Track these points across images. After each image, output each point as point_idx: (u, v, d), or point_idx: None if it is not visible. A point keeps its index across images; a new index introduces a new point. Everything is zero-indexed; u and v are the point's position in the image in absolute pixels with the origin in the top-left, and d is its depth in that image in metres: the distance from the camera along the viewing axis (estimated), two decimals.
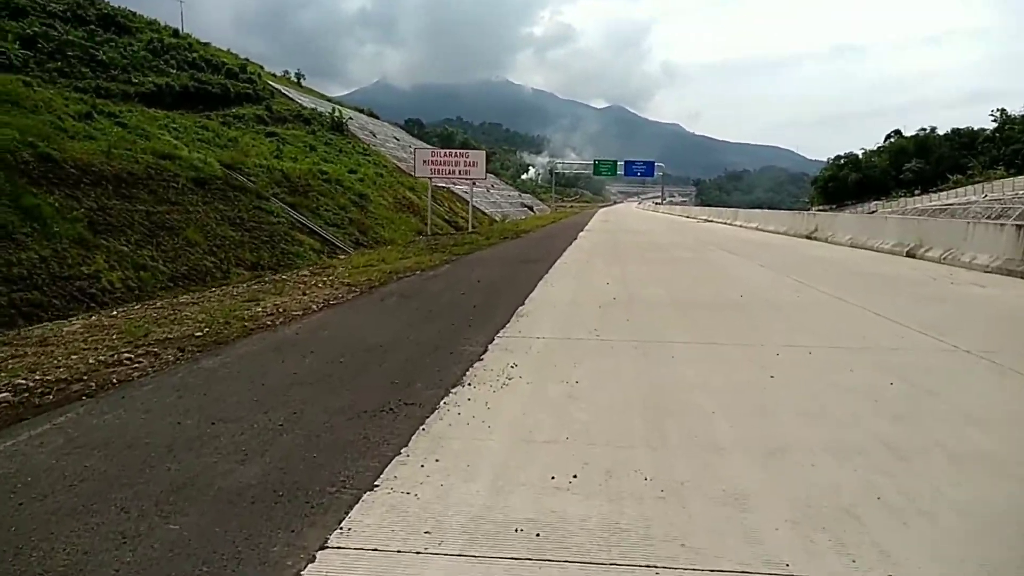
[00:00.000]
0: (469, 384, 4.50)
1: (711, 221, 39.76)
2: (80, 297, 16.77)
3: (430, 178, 24.91)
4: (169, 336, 5.97)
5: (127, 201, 21.07)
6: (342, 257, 20.00)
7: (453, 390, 4.35)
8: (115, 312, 7.30)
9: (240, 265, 22.20)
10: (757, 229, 29.30)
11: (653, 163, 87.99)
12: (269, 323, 6.69)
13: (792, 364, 5.10)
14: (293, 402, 4.03)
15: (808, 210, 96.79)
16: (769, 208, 44.00)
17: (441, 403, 4.06)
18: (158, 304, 7.98)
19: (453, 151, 24.08)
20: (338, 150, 46.79)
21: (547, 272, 11.24)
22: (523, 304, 7.86)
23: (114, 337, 5.97)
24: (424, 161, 23.66)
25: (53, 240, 17.61)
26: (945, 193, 75.33)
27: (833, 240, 20.11)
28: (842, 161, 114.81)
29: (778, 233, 25.84)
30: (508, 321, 6.78)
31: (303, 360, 5.11)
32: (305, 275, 11.17)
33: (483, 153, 24.18)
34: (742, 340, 5.94)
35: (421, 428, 3.65)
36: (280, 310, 7.38)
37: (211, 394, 4.25)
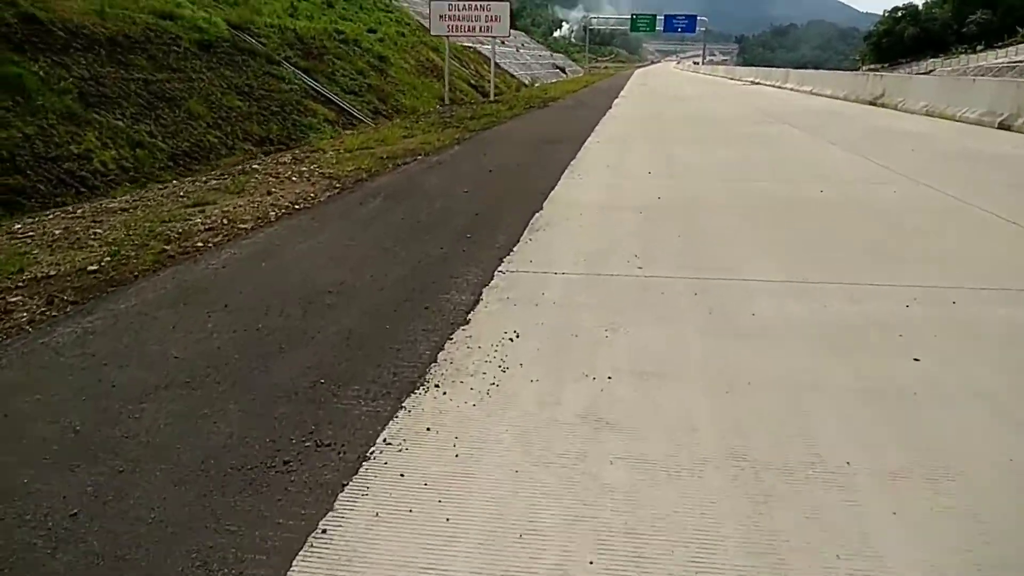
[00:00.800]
0: (435, 387, 2.80)
1: (759, 83, 36.37)
2: (69, 181, 15.25)
3: (447, 36, 22.18)
4: (50, 273, 4.34)
5: (123, 68, 19.05)
6: (347, 133, 18.02)
7: (405, 404, 2.67)
8: (17, 226, 5.73)
9: (247, 139, 20.39)
10: (812, 93, 26.37)
11: (695, 17, 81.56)
12: (199, 244, 5.01)
13: (948, 332, 3.33)
14: (126, 451, 2.40)
15: (858, 69, 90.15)
16: (814, 68, 39.77)
17: (373, 447, 2.39)
18: (78, 212, 6.36)
19: (472, 3, 21.13)
20: (358, 6, 43.80)
21: (575, 157, 9.29)
22: (540, 209, 6.06)
23: None
24: (440, 16, 20.90)
25: (38, 115, 15.89)
26: (1014, 48, 68.66)
27: (904, 107, 17.50)
28: (899, 14, 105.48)
29: (836, 98, 23.02)
30: (517, 240, 5.02)
31: (206, 325, 3.46)
32: (285, 161, 9.36)
33: (506, 5, 21.24)
34: (848, 276, 4.14)
35: (309, 539, 1.97)
36: (225, 221, 5.68)
37: (15, 412, 2.65)
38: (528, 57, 77.38)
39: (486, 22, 20.88)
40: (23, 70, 15.88)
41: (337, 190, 7.17)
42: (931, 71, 72.46)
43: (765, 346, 3.19)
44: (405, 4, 55.77)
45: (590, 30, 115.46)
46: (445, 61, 23.35)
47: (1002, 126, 12.97)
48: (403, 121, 16.05)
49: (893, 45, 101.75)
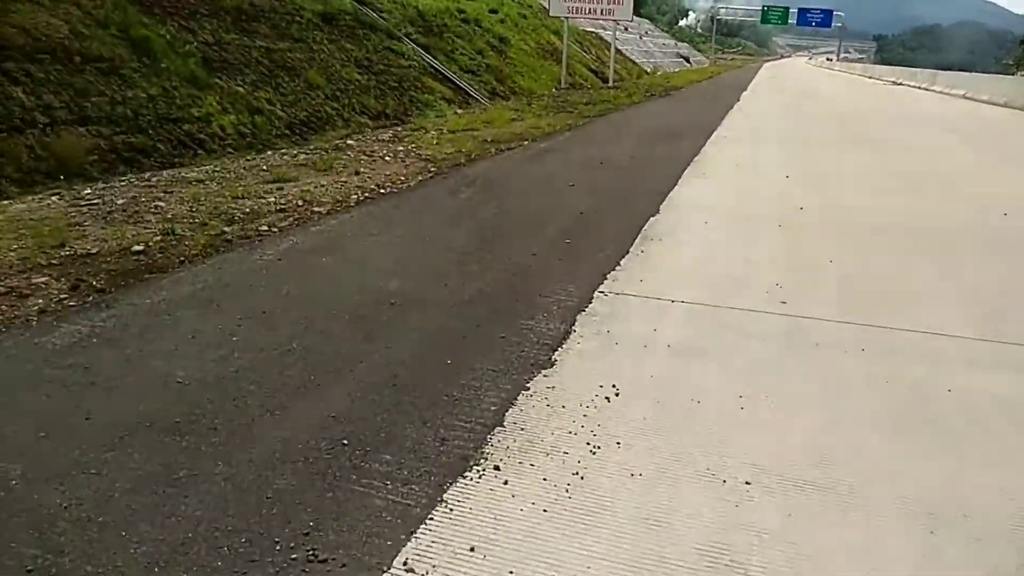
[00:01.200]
0: (494, 470, 1.98)
1: (901, 84, 33.42)
2: (188, 143, 15.46)
3: (567, 17, 21.22)
4: (91, 250, 3.82)
5: (246, 36, 19.28)
6: (457, 113, 17.46)
7: (446, 498, 1.86)
8: (86, 191, 5.33)
9: (364, 113, 20.28)
10: (964, 97, 23.76)
11: (831, 12, 76.58)
12: (264, 228, 4.41)
13: None
14: (52, 534, 1.72)
15: (1013, 75, 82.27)
16: (961, 70, 36.22)
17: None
18: (152, 180, 5.95)
19: None
20: None
21: (699, 153, 8.24)
22: (656, 213, 5.14)
23: (21, 242, 3.91)
24: None
25: (163, 77, 16.20)
26: None
27: None
28: None
29: (995, 104, 20.56)
30: (627, 252, 4.14)
31: (231, 338, 2.79)
32: (384, 139, 8.78)
33: None
34: None
35: None
36: (301, 202, 5.07)
37: None
38: (651, 45, 75.15)
39: (608, 4, 19.81)
40: (151, 33, 16.15)
41: (431, 174, 6.48)
42: None
43: (981, 443, 2.20)
44: None
45: (718, 20, 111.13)
46: (564, 43, 22.37)
47: None
48: (515, 103, 15.31)
49: None
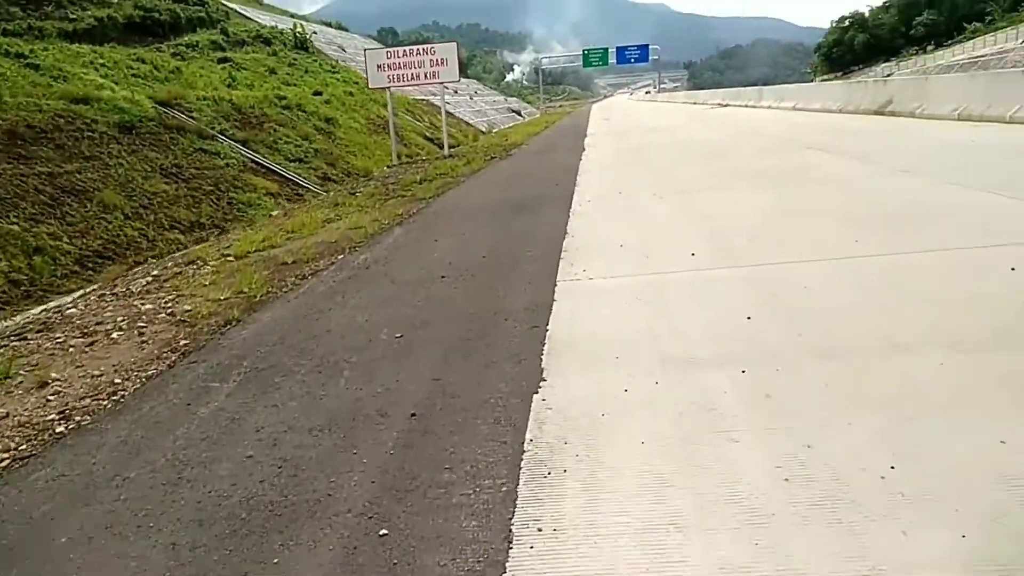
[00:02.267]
0: None
1: (728, 105, 34.04)
2: None
3: (389, 87, 19.31)
4: None
5: (22, 163, 16.09)
6: (273, 215, 15.07)
7: None
8: None
9: (175, 227, 17.46)
10: (796, 109, 23.94)
11: (647, 47, 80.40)
12: None
13: None
14: None
15: (812, 81, 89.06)
16: (764, 84, 37.63)
17: None
18: None
19: (414, 48, 18.30)
20: (303, 70, 42.46)
21: (566, 232, 6.29)
22: (542, 381, 3.04)
23: None
24: (379, 66, 17.98)
25: None
26: (971, 43, 67.82)
27: (927, 114, 14.89)
28: (847, 23, 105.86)
29: (830, 112, 20.52)
30: (511, 510, 1.99)
31: None
32: (136, 288, 6.22)
33: (453, 46, 18.44)
34: None
35: None
36: None
37: None
38: (483, 104, 76.00)
39: (432, 67, 18.07)
40: None
41: (175, 357, 4.06)
42: (890, 75, 71.54)
43: None
44: (353, 65, 54.32)
45: (541, 70, 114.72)
46: (391, 115, 20.49)
47: None
48: (338, 195, 13.06)
49: (844, 54, 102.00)
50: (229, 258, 7.04)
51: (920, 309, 3.47)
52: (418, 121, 44.79)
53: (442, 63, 17.84)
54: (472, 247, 6.39)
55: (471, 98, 73.78)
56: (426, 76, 18.08)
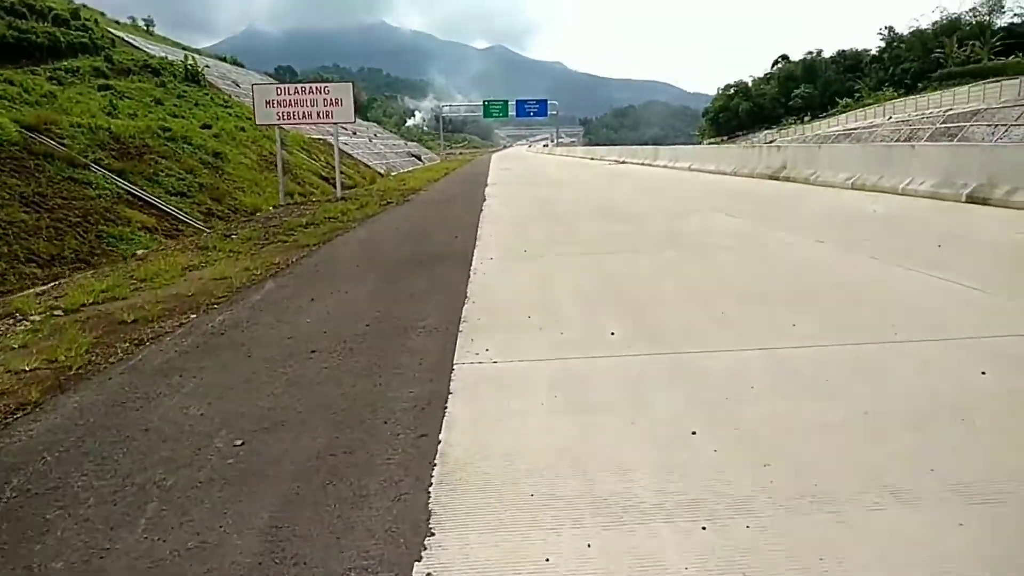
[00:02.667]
0: None
1: (625, 163, 34.61)
2: None
3: (278, 124, 18.12)
4: None
5: None
6: (138, 253, 13.54)
7: None
8: None
9: (32, 260, 15.38)
10: (692, 170, 24.36)
11: (546, 101, 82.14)
12: None
13: None
14: None
15: (700, 143, 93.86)
16: (655, 144, 39.00)
17: None
18: None
19: (307, 85, 17.25)
20: (193, 103, 40.46)
21: (466, 299, 5.45)
22: (429, 504, 2.15)
23: None
24: (268, 102, 16.81)
25: None
26: (844, 116, 73.06)
27: (820, 181, 15.19)
28: (732, 91, 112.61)
29: (724, 174, 20.90)
30: None
31: None
32: None
33: (348, 86, 17.54)
34: None
35: None
36: None
37: None
38: (382, 147, 75.22)
39: (325, 107, 17.06)
40: None
41: None
42: (772, 141, 75.96)
43: None
44: (246, 99, 52.53)
45: (443, 118, 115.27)
46: (278, 154, 19.22)
47: (973, 199, 10.50)
48: (212, 236, 11.75)
49: (729, 119, 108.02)
50: (57, 311, 5.74)
51: (896, 422, 2.80)
52: (314, 160, 43.49)
53: (336, 103, 16.87)
54: (354, 311, 5.41)
55: (370, 140, 72.95)
56: (319, 115, 17.04)
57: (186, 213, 22.22)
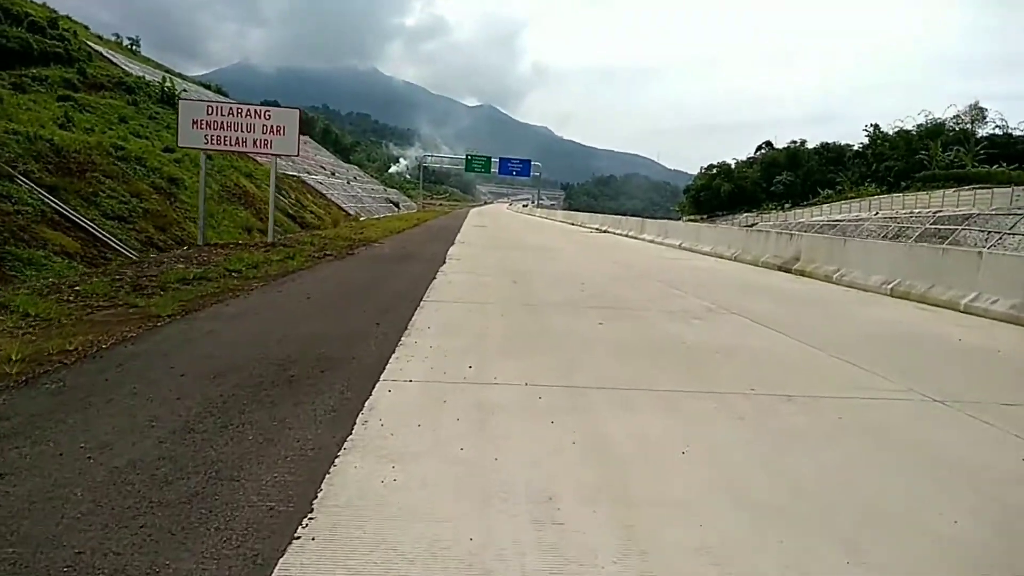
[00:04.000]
0: None
1: (609, 232, 32.05)
2: None
3: (204, 149, 15.14)
4: None
5: None
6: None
7: None
8: None
9: None
10: (682, 248, 21.79)
11: (530, 162, 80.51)
12: None
13: None
14: None
15: (679, 219, 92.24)
16: (634, 215, 36.87)
17: None
18: None
19: (245, 107, 14.40)
20: (164, 125, 38.73)
21: (350, 435, 2.48)
22: None
23: None
24: (195, 122, 13.93)
25: None
26: (827, 207, 72.26)
27: (846, 281, 12.58)
28: (715, 171, 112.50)
29: (722, 257, 18.34)
30: None
31: None
32: None
33: (295, 113, 14.73)
34: None
35: None
36: None
37: None
38: (360, 190, 73.43)
39: (265, 134, 14.19)
40: None
41: None
42: (753, 224, 74.69)
43: None
44: None
45: (426, 168, 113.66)
46: (201, 182, 16.23)
47: None
48: (16, 293, 8.61)
49: (711, 198, 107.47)
50: None
51: None
52: (283, 196, 41.04)
53: (277, 131, 14.02)
54: (130, 487, 2.38)
55: (348, 183, 71.27)
56: (256, 143, 14.14)
57: (121, 240, 19.16)
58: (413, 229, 27.34)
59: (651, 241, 25.40)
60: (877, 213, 55.91)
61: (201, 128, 14.06)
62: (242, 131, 14.06)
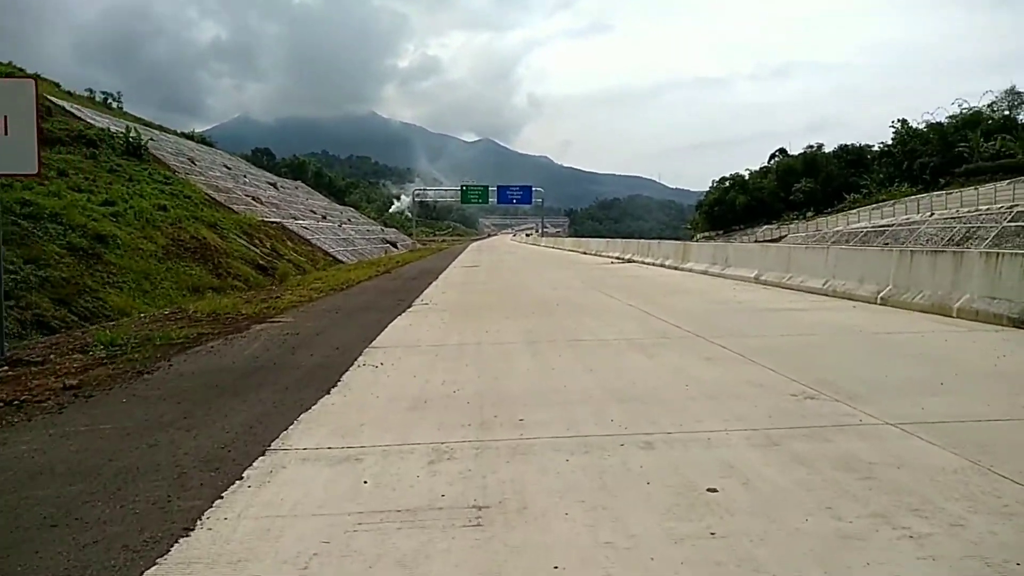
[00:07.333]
0: None
1: (634, 261, 26.45)
2: None
3: None
4: None
5: None
6: None
7: None
8: None
9: None
10: (759, 282, 15.36)
11: (531, 188, 76.22)
12: None
13: None
14: None
15: (692, 238, 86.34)
16: (639, 237, 31.81)
17: None
18: None
19: None
20: (127, 177, 34.68)
21: None
22: None
23: None
24: None
25: None
26: (862, 211, 66.04)
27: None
28: (727, 184, 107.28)
29: (866, 301, 12.92)
30: None
31: None
32: None
33: (30, 84, 8.75)
34: None
35: None
36: None
37: None
38: (352, 232, 69.45)
39: None
40: None
41: None
42: (778, 238, 69.27)
43: None
44: (198, 176, 46.26)
45: (425, 203, 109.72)
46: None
47: None
48: None
49: (725, 213, 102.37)
50: None
51: None
52: (254, 247, 36.33)
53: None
54: None
55: (340, 225, 67.50)
56: None
57: None
58: (374, 280, 21.28)
59: (703, 273, 19.03)
60: (932, 214, 50.11)
61: None
62: None
